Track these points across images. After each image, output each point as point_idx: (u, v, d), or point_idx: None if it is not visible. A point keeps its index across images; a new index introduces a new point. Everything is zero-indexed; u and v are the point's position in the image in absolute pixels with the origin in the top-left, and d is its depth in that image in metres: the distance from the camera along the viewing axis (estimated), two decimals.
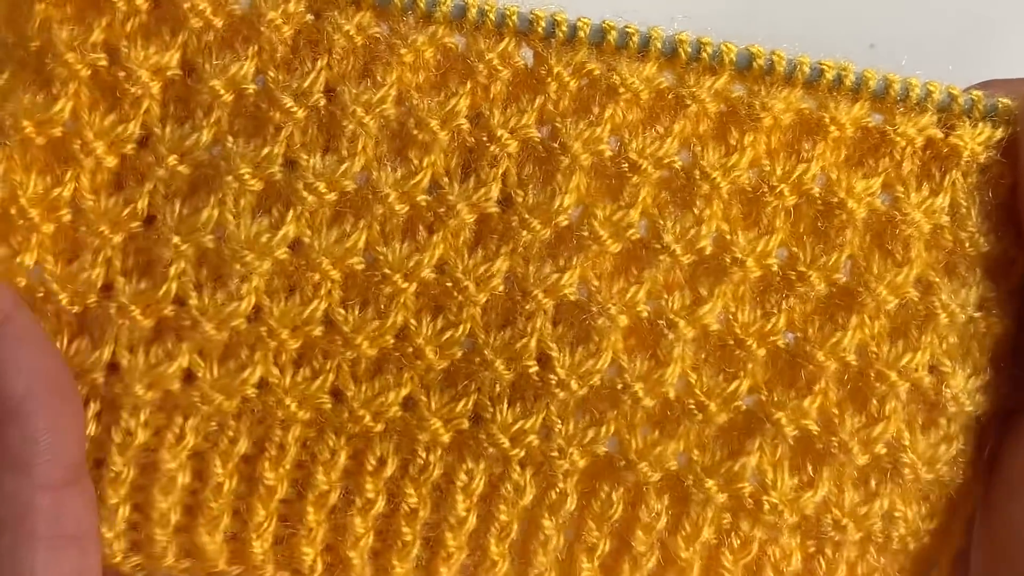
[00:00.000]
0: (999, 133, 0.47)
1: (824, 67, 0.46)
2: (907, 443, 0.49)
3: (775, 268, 0.48)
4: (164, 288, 0.46)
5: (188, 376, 0.48)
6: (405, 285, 0.47)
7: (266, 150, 0.46)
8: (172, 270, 0.46)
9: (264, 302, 0.47)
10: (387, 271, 0.47)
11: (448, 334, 0.48)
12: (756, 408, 0.49)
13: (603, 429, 0.49)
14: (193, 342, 0.47)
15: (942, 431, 0.49)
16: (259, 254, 0.45)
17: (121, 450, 0.47)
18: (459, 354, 0.48)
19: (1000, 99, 0.47)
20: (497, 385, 0.48)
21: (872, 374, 0.49)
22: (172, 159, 0.46)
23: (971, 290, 0.49)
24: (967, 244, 0.48)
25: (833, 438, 0.49)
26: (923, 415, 0.50)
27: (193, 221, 0.46)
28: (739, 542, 0.50)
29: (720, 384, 0.49)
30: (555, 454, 0.48)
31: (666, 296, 0.48)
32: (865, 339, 0.49)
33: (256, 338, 0.47)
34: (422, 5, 0.45)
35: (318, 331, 0.47)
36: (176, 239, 0.46)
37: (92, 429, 0.48)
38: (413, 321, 0.48)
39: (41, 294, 0.46)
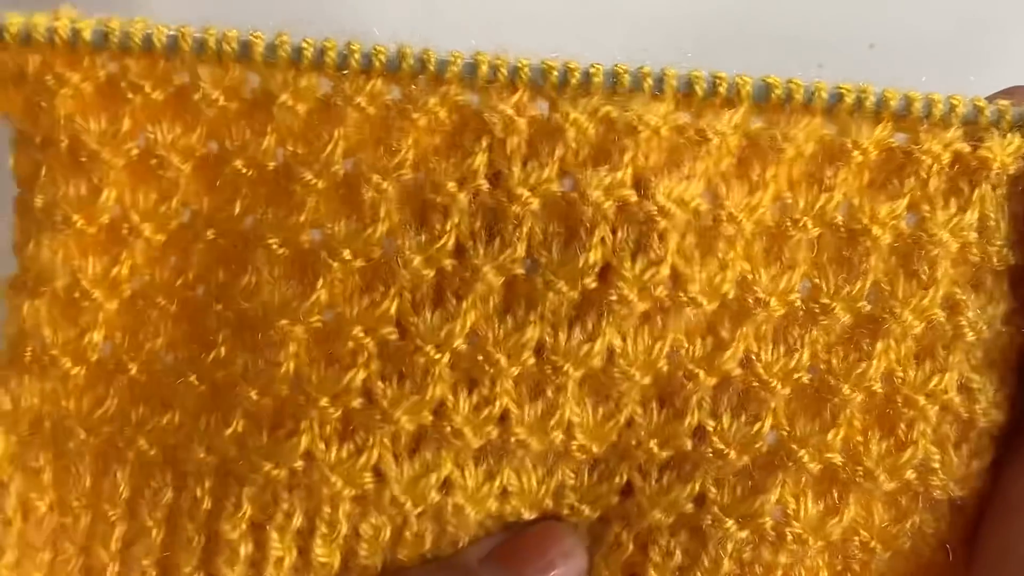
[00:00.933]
0: None
1: (843, 91, 0.45)
2: (937, 465, 0.48)
3: (798, 303, 0.47)
4: (213, 354, 0.49)
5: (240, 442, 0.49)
6: (438, 356, 0.47)
7: (292, 219, 0.46)
8: (220, 337, 0.48)
9: (303, 370, 0.48)
10: (419, 342, 0.47)
11: (485, 412, 0.47)
12: (778, 445, 0.49)
13: (616, 481, 0.50)
14: (241, 408, 0.49)
15: (973, 445, 0.49)
16: (292, 320, 0.46)
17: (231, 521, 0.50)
18: (494, 433, 0.48)
19: None
20: (527, 461, 0.49)
21: (899, 400, 0.48)
22: (210, 232, 0.48)
23: (998, 304, 0.48)
24: (995, 259, 0.47)
25: (858, 467, 0.48)
26: (955, 433, 0.49)
27: (232, 288, 0.48)
28: (762, 569, 0.49)
29: (741, 427, 0.48)
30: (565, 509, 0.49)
31: (686, 345, 0.48)
32: (891, 365, 0.47)
33: (297, 407, 0.48)
34: (432, 67, 0.45)
35: (357, 403, 0.48)
36: (219, 306, 0.48)
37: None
38: (450, 396, 0.47)
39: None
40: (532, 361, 0.47)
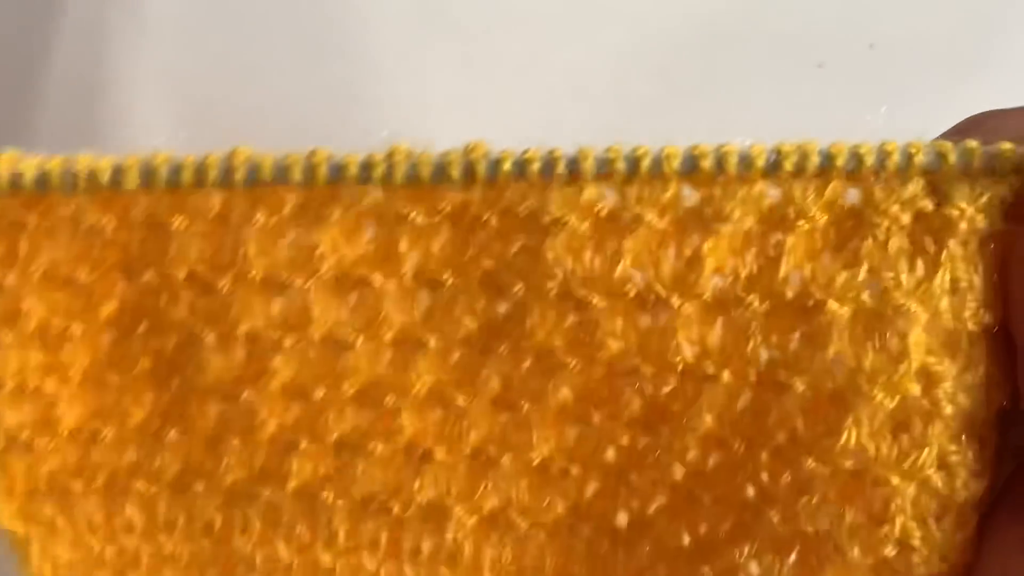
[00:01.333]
0: (1003, 189, 0.40)
1: (782, 153, 0.41)
2: (917, 543, 0.46)
3: (752, 379, 0.45)
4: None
5: None
6: (398, 408, 0.48)
7: (224, 315, 0.47)
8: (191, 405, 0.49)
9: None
10: (377, 393, 0.48)
11: None
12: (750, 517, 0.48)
13: None
14: None
15: (956, 517, 0.46)
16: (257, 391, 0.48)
17: None
18: None
19: (1004, 146, 0.39)
20: None
21: (871, 478, 0.45)
22: (142, 326, 0.48)
23: (977, 369, 0.43)
24: (970, 322, 0.42)
25: (830, 543, 0.47)
26: (935, 506, 0.45)
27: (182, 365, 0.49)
28: None
29: (705, 510, 0.47)
30: None
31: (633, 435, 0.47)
32: (862, 440, 0.44)
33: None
34: (322, 175, 0.44)
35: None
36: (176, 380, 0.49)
37: None
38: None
39: None
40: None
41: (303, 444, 0.47)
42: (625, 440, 0.47)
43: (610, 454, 0.47)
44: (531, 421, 0.46)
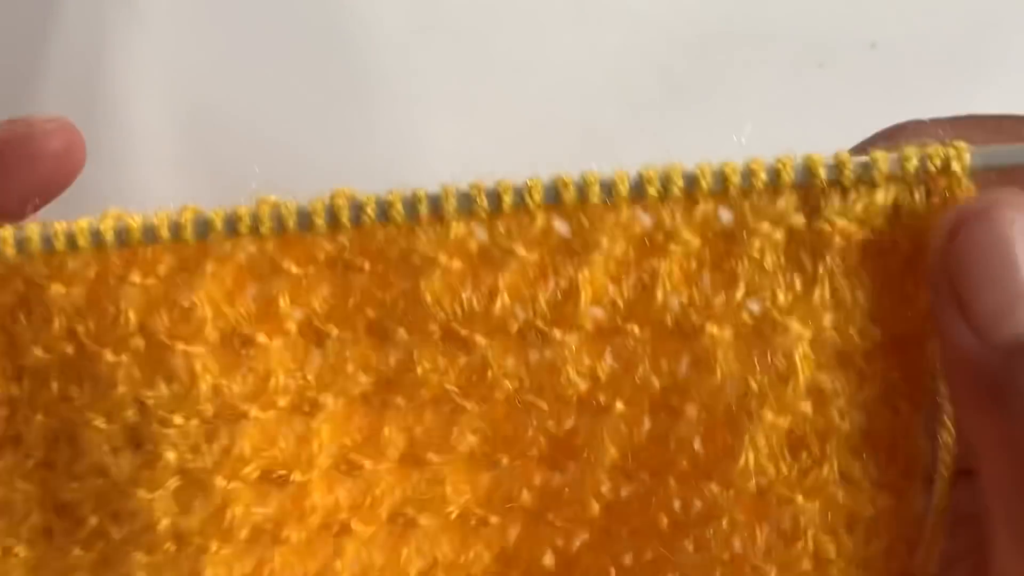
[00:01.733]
0: (880, 198, 0.39)
1: (645, 178, 0.39)
2: (833, 556, 0.45)
3: (647, 406, 0.44)
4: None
5: None
6: (304, 483, 0.46)
7: (111, 394, 0.45)
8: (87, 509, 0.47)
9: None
10: (282, 470, 0.46)
11: None
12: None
13: None
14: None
15: (867, 527, 0.44)
16: (150, 488, 0.45)
17: None
18: None
19: (876, 154, 0.38)
20: None
21: (775, 498, 0.44)
22: (39, 416, 0.47)
23: (874, 384, 0.42)
24: (857, 337, 0.41)
25: (745, 565, 0.46)
26: (844, 519, 0.45)
27: (78, 467, 0.47)
28: None
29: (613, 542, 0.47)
30: None
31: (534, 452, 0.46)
32: (761, 461, 0.44)
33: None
34: (190, 233, 0.43)
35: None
36: (74, 484, 0.47)
37: None
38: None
39: None
40: None
41: (213, 547, 0.46)
42: (537, 480, 0.47)
43: (525, 496, 0.46)
44: (442, 474, 0.46)
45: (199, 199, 0.60)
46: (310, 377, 0.44)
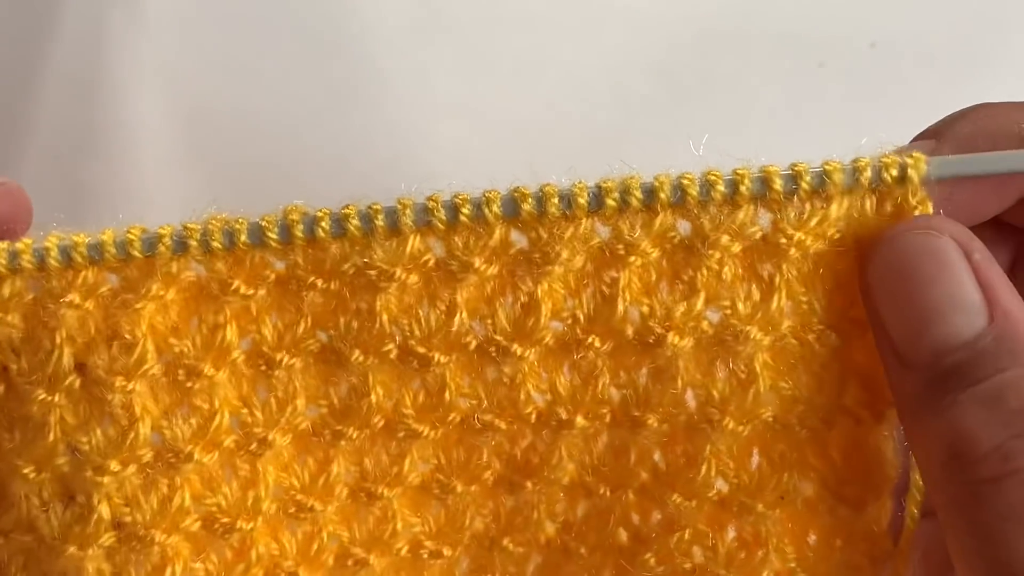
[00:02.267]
0: (835, 210, 0.39)
1: (603, 190, 0.39)
2: (793, 564, 0.44)
3: (608, 419, 0.44)
4: None
5: None
6: (249, 531, 0.44)
7: (41, 443, 0.42)
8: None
9: None
10: (226, 519, 0.43)
11: None
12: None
13: None
14: None
15: (826, 536, 0.44)
16: (82, 545, 0.43)
17: None
18: None
19: (830, 165, 0.38)
20: None
21: (736, 507, 0.44)
22: None
23: (834, 390, 0.42)
24: (816, 344, 0.41)
25: (707, 573, 0.46)
26: (815, 525, 0.45)
27: (4, 522, 0.44)
28: None
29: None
30: None
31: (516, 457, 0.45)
32: (724, 469, 0.44)
33: None
34: (138, 250, 0.40)
35: None
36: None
37: None
38: None
39: None
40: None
41: None
42: (492, 505, 0.46)
43: (479, 524, 0.46)
44: (391, 509, 0.45)
45: (199, 199, 0.60)
46: (258, 413, 0.42)
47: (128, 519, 0.42)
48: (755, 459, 0.44)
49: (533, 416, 0.43)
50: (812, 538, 0.45)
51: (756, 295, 0.41)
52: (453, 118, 0.61)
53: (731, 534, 0.45)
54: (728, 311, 0.41)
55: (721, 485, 0.44)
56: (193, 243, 0.39)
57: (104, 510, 0.42)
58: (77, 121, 0.62)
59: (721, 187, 0.39)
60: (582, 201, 0.39)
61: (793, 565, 0.44)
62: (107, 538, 0.42)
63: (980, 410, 0.34)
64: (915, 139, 0.40)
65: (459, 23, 0.62)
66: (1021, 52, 0.62)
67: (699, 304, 0.41)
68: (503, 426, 0.43)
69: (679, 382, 0.42)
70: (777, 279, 0.41)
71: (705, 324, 0.41)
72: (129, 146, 0.61)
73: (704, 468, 0.43)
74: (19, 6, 0.61)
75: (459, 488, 0.45)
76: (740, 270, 0.41)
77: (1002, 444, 0.33)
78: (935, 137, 0.39)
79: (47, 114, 0.62)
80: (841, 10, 0.62)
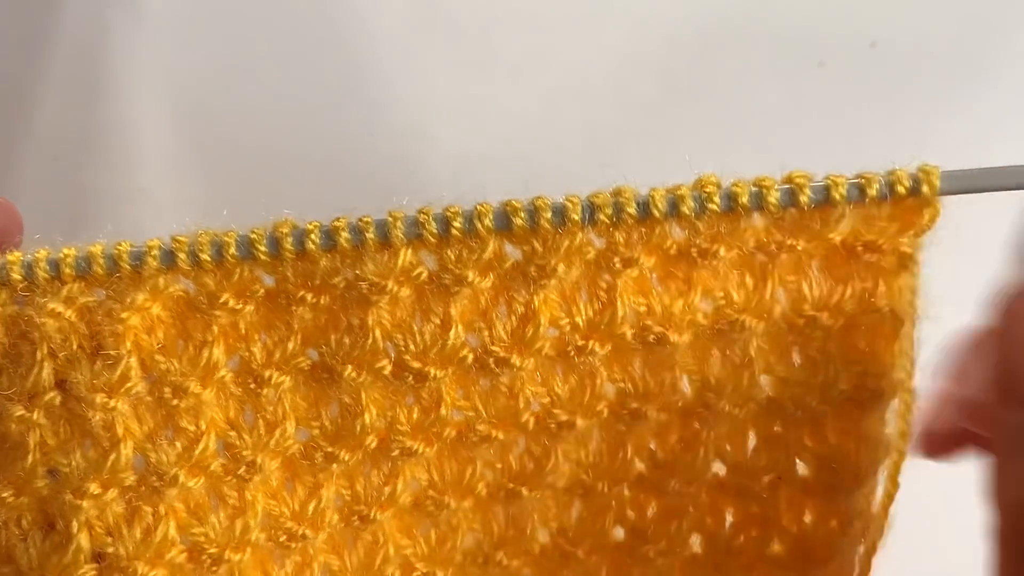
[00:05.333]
0: (837, 219, 0.39)
1: (598, 204, 0.38)
2: (791, 545, 0.45)
3: (605, 414, 0.43)
4: None
5: None
6: (237, 562, 0.42)
7: (19, 465, 0.40)
8: None
9: None
10: (214, 549, 0.42)
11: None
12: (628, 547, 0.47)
13: None
14: None
15: (828, 509, 0.44)
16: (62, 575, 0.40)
17: None
18: None
19: (834, 178, 0.38)
20: None
21: (733, 490, 0.45)
22: None
23: (826, 370, 0.42)
24: (810, 329, 0.42)
25: (709, 561, 0.46)
26: (801, 507, 0.45)
27: None
28: None
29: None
30: None
31: (509, 465, 0.45)
32: (722, 451, 0.44)
33: None
34: (126, 263, 0.38)
35: None
36: None
37: None
38: None
39: None
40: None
41: None
42: (483, 519, 0.46)
43: (470, 541, 0.46)
44: (383, 532, 0.44)
45: (199, 199, 0.61)
46: (246, 435, 0.41)
47: (110, 550, 0.40)
48: (751, 442, 0.44)
49: (531, 423, 0.43)
50: (808, 517, 0.45)
51: (750, 283, 0.41)
52: (453, 118, 0.61)
53: (729, 520, 0.46)
54: (722, 302, 0.41)
55: (719, 467, 0.44)
56: (181, 255, 0.38)
57: (84, 539, 0.40)
58: (77, 121, 0.62)
59: (718, 200, 0.38)
60: (575, 217, 0.38)
61: (790, 545, 0.45)
62: (87, 570, 0.40)
63: None
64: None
65: (459, 23, 0.62)
66: (1021, 52, 0.62)
67: (696, 299, 0.41)
68: (500, 436, 0.43)
69: (676, 371, 0.42)
70: (769, 269, 0.41)
71: (700, 316, 0.41)
72: (129, 146, 0.61)
73: (701, 451, 0.44)
74: (19, 6, 0.61)
75: (452, 504, 0.44)
76: (735, 272, 0.41)
77: None
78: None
79: (47, 114, 0.61)
80: (841, 10, 0.62)
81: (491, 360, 0.41)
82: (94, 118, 0.61)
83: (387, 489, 0.43)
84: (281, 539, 0.43)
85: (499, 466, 0.44)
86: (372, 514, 0.43)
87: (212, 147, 0.61)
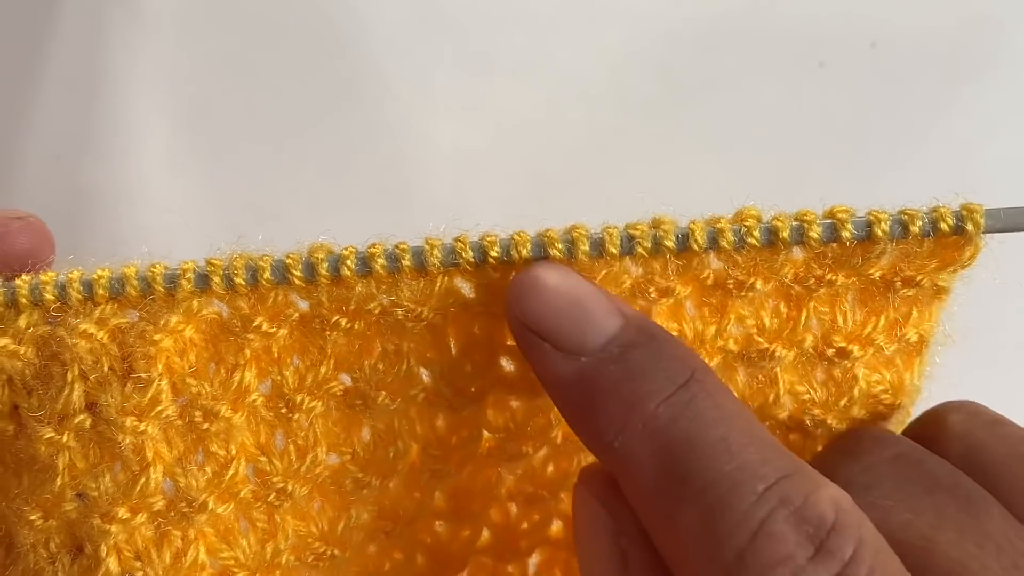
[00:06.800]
0: (878, 257, 0.40)
1: (634, 236, 0.38)
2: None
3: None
4: None
5: None
6: None
7: (48, 488, 0.40)
8: None
9: None
10: (243, 574, 0.41)
11: None
12: None
13: None
14: None
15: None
16: None
17: None
18: None
19: (877, 214, 0.38)
20: None
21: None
22: None
23: (851, 394, 0.43)
24: (838, 357, 0.42)
25: None
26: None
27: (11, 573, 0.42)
28: None
29: None
30: None
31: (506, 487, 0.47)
32: None
33: None
34: (160, 285, 0.38)
35: None
36: None
37: None
38: None
39: None
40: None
41: None
42: (489, 522, 0.47)
43: (485, 536, 0.47)
44: (411, 546, 0.45)
45: (199, 199, 0.60)
46: (276, 461, 0.41)
47: (139, 574, 0.40)
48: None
49: (559, 438, 0.43)
50: None
51: (783, 312, 0.41)
52: (453, 118, 0.61)
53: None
54: (754, 329, 0.41)
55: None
56: (216, 279, 0.38)
57: (112, 563, 0.40)
58: (77, 121, 0.62)
59: (757, 235, 0.38)
60: (613, 250, 0.38)
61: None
62: None
63: None
64: None
65: (459, 23, 0.62)
66: (1021, 52, 0.62)
67: (729, 326, 0.41)
68: (530, 451, 0.43)
69: None
70: (806, 301, 0.41)
71: (732, 343, 0.41)
72: (129, 146, 0.61)
73: None
74: (18, 6, 0.61)
75: (476, 508, 0.45)
76: (770, 303, 0.41)
77: None
78: None
79: (47, 114, 0.62)
80: (841, 10, 0.62)
81: (528, 384, 0.40)
82: (94, 118, 0.61)
83: (415, 510, 0.43)
84: (309, 559, 0.42)
85: (524, 477, 0.46)
86: (398, 532, 0.44)
87: (212, 147, 0.61)
